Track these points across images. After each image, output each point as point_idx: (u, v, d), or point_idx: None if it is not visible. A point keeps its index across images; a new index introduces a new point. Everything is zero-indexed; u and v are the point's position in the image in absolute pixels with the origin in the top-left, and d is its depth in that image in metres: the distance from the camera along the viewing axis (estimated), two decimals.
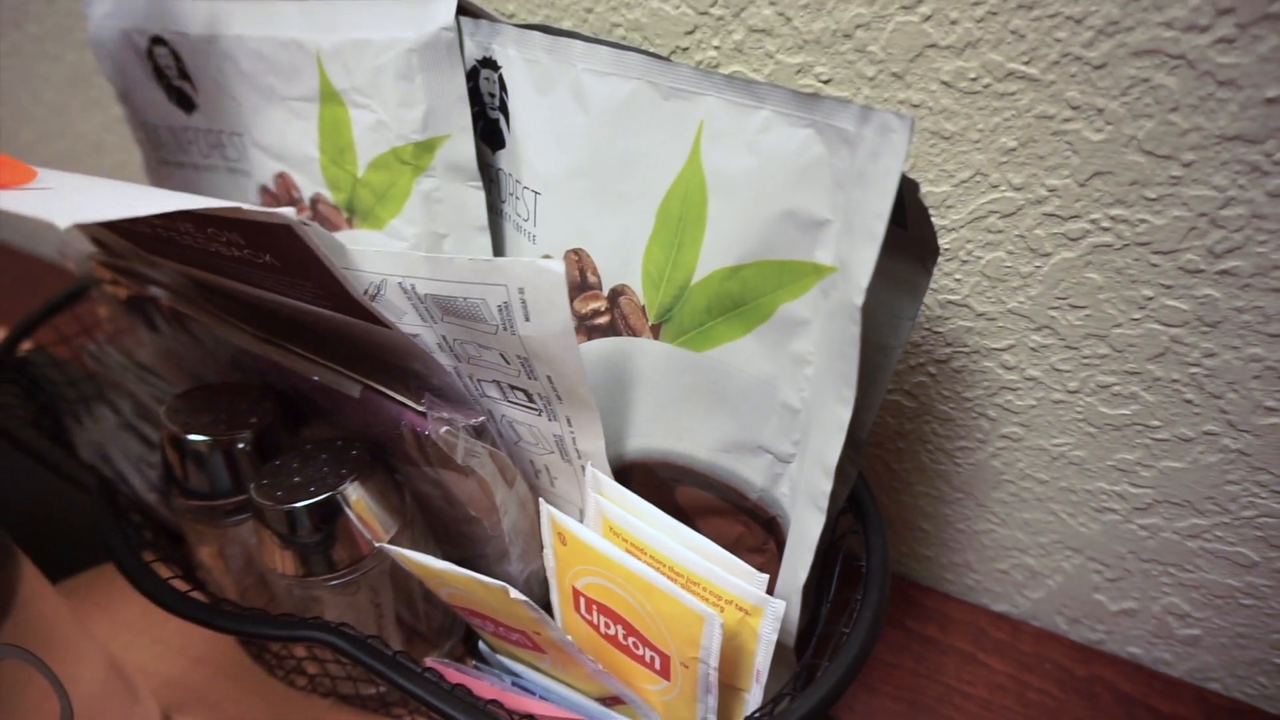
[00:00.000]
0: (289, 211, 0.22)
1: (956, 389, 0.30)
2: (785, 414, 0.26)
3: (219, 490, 0.33)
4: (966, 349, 0.29)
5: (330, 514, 0.29)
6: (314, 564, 0.30)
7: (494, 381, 0.28)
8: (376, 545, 0.30)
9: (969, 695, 0.32)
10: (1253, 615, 0.30)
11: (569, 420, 0.28)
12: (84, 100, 0.49)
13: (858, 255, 0.21)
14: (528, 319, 0.24)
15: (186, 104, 0.35)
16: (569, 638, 0.27)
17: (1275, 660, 0.31)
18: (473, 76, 0.29)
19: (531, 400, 0.28)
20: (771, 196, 0.23)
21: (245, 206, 0.22)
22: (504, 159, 0.30)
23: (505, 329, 0.24)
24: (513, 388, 0.28)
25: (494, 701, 0.26)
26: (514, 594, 0.25)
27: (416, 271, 0.25)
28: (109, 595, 0.40)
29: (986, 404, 0.30)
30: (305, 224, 0.22)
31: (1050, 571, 0.33)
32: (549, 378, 0.26)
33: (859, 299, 0.21)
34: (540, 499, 0.29)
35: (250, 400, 0.34)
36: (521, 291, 0.23)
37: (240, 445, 0.32)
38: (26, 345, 0.43)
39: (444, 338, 0.27)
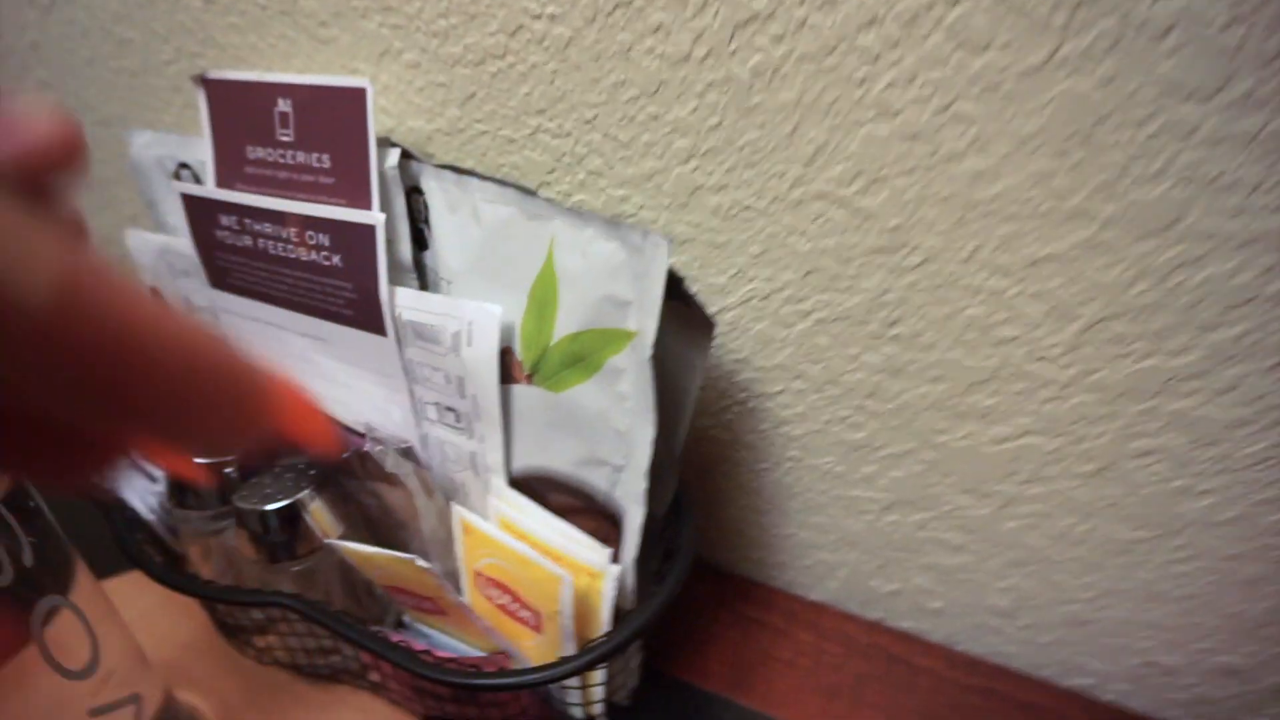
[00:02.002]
0: (380, 216, 0.35)
1: (754, 424, 0.42)
2: (616, 436, 0.37)
3: (209, 503, 0.43)
4: (755, 394, 0.41)
5: (292, 516, 0.40)
6: (279, 553, 0.40)
7: (434, 404, 0.39)
8: (326, 541, 0.41)
9: (778, 658, 0.43)
10: (969, 588, 0.41)
11: (482, 438, 0.39)
12: (99, 203, 0.61)
13: (647, 324, 0.33)
14: (470, 344, 0.36)
15: None
16: (464, 599, 0.37)
17: (991, 622, 0.41)
18: (408, 198, 0.41)
19: (459, 420, 0.39)
20: (596, 285, 0.35)
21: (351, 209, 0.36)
22: (428, 257, 0.42)
23: (453, 352, 0.36)
24: (447, 408, 0.39)
25: (402, 644, 0.36)
26: (420, 563, 0.36)
27: (407, 302, 0.37)
28: (116, 604, 0.50)
29: (774, 434, 0.42)
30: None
31: (839, 564, 0.44)
32: (474, 396, 0.37)
33: (648, 353, 0.33)
34: (452, 504, 0.40)
35: None
36: (470, 324, 0.36)
37: (227, 470, 0.43)
38: None
39: (409, 360, 0.39)
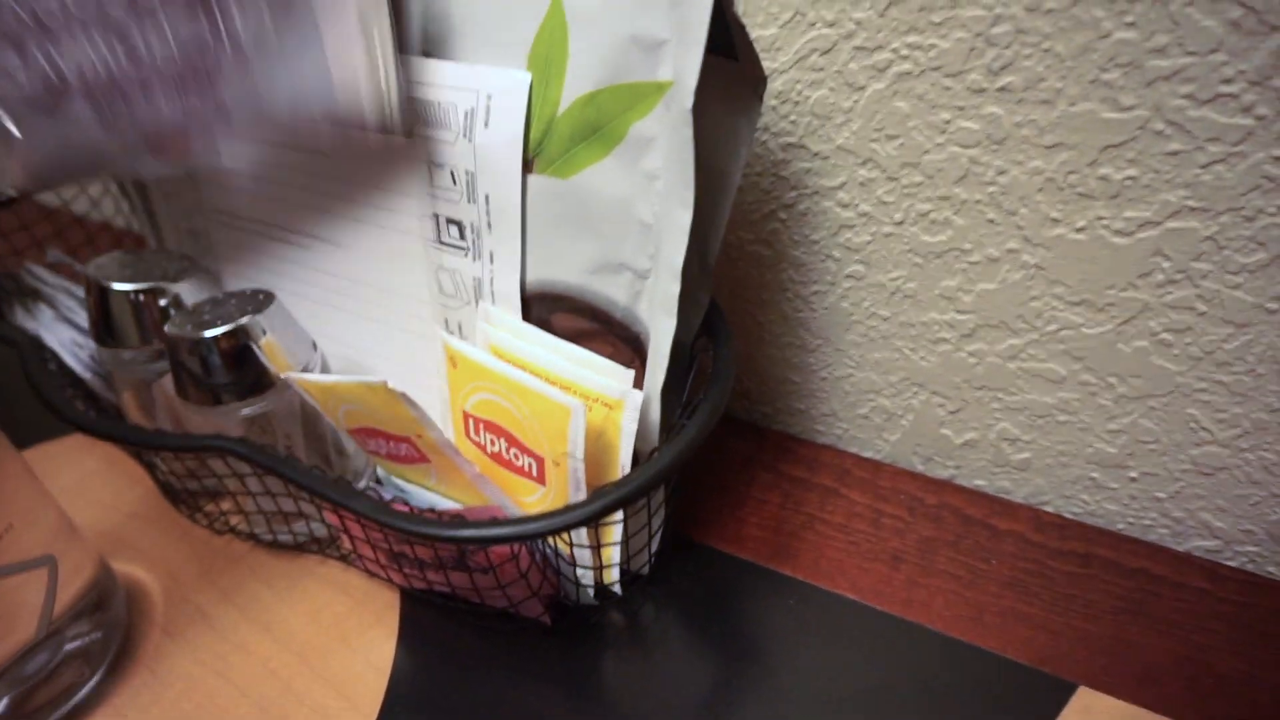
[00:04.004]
0: None
1: (805, 232, 0.34)
2: (641, 230, 0.29)
3: (141, 338, 0.36)
4: (808, 190, 0.32)
5: (238, 347, 0.32)
6: (222, 394, 0.33)
7: (433, 217, 0.31)
8: (281, 376, 0.33)
9: (828, 522, 0.36)
10: (1069, 432, 0.33)
11: (492, 256, 0.31)
12: None
13: (688, 63, 0.25)
14: (487, 125, 0.28)
15: None
16: (447, 437, 0.30)
17: (1092, 475, 0.34)
18: None
19: (463, 236, 0.31)
20: (619, 22, 0.26)
21: None
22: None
23: (465, 136, 0.29)
24: (450, 221, 0.31)
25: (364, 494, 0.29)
26: (392, 385, 0.28)
27: (413, 75, 0.29)
28: (50, 468, 0.43)
29: (830, 244, 0.34)
30: None
31: (903, 411, 0.37)
32: (487, 197, 0.30)
33: (689, 102, 0.25)
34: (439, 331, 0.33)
35: (177, 262, 0.37)
36: (489, 98, 0.28)
37: (162, 302, 0.36)
38: None
39: None
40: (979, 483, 0.37)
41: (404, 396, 0.28)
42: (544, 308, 0.33)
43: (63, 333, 0.45)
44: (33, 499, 0.30)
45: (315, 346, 0.37)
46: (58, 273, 0.46)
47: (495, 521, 0.27)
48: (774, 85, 0.31)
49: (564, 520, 0.26)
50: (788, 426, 0.40)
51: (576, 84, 0.28)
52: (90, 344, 0.44)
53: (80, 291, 0.47)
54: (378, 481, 0.36)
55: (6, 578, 0.28)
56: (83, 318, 0.46)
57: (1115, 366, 0.31)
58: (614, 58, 0.27)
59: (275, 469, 0.29)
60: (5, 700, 0.29)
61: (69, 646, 0.31)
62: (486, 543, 0.26)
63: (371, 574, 0.35)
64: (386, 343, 0.36)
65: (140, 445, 0.32)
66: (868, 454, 0.39)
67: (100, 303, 0.36)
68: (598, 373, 0.30)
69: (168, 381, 0.36)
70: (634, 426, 0.29)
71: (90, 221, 0.53)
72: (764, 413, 0.41)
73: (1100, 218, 0.28)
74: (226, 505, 0.38)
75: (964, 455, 0.37)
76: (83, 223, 0.52)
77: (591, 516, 0.26)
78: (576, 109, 0.28)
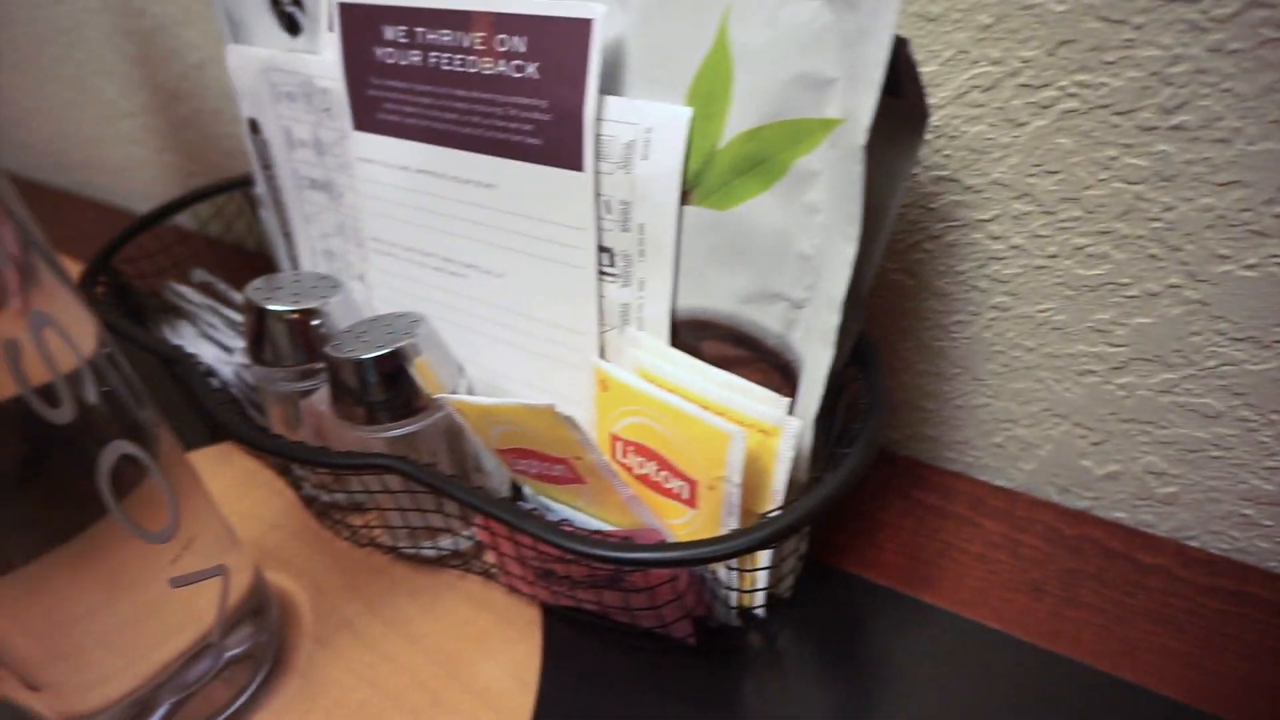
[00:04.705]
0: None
1: (950, 263, 0.34)
2: (799, 262, 0.30)
3: (295, 358, 0.37)
4: (958, 222, 0.33)
5: (394, 367, 0.34)
6: (379, 414, 0.34)
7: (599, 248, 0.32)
8: (435, 397, 0.34)
9: (965, 551, 0.36)
10: (1221, 467, 0.33)
11: (643, 284, 0.32)
12: (162, 51, 0.55)
13: (861, 102, 0.25)
14: (646, 157, 0.29)
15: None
16: (605, 459, 0.31)
17: (1245, 512, 0.34)
18: None
19: (613, 263, 0.32)
20: (787, 62, 0.27)
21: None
22: None
23: (622, 169, 0.30)
24: (602, 249, 0.32)
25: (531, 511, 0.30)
26: (558, 409, 0.29)
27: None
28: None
29: (977, 276, 0.34)
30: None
31: (1040, 441, 0.37)
32: (642, 226, 0.31)
33: (861, 139, 0.25)
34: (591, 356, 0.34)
35: (324, 285, 0.38)
36: (649, 132, 0.29)
37: (314, 322, 0.37)
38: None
39: None
40: (1119, 515, 0.37)
41: (569, 420, 0.29)
42: (693, 334, 0.33)
43: (205, 349, 0.47)
44: (207, 510, 0.32)
45: (461, 370, 0.38)
46: (200, 291, 0.48)
47: (672, 545, 0.27)
48: (930, 121, 0.31)
49: (741, 544, 0.27)
50: (917, 453, 0.41)
51: (739, 119, 0.28)
52: (232, 359, 0.46)
53: (223, 309, 0.49)
54: (520, 499, 0.37)
55: (189, 586, 0.30)
56: (224, 334, 0.48)
57: (1278, 403, 0.30)
58: (779, 94, 0.27)
59: (443, 489, 0.30)
60: (167, 705, 0.30)
61: (229, 654, 0.32)
62: (666, 565, 0.27)
63: (513, 590, 0.36)
64: (524, 366, 0.37)
65: (311, 464, 0.33)
66: (999, 482, 0.39)
67: (258, 324, 0.37)
68: (751, 399, 0.30)
69: (316, 398, 0.37)
70: (791, 453, 0.30)
71: (223, 243, 0.55)
72: (894, 439, 0.41)
73: (1273, 255, 0.28)
74: (369, 517, 0.39)
75: (1104, 487, 0.36)
76: (216, 245, 0.54)
77: (767, 541, 0.26)
78: (738, 143, 0.29)
